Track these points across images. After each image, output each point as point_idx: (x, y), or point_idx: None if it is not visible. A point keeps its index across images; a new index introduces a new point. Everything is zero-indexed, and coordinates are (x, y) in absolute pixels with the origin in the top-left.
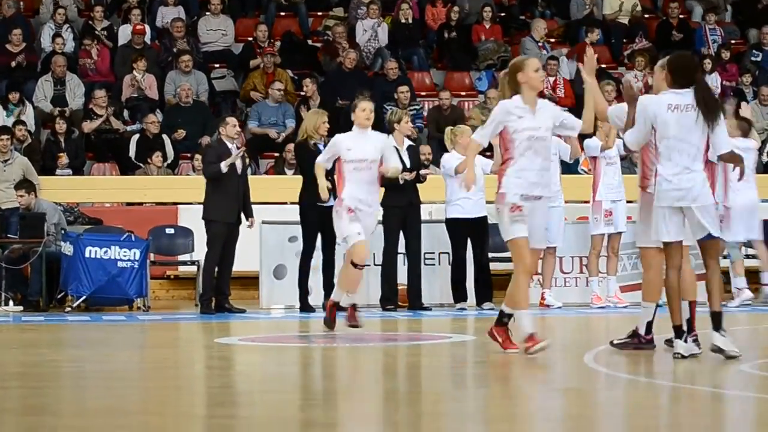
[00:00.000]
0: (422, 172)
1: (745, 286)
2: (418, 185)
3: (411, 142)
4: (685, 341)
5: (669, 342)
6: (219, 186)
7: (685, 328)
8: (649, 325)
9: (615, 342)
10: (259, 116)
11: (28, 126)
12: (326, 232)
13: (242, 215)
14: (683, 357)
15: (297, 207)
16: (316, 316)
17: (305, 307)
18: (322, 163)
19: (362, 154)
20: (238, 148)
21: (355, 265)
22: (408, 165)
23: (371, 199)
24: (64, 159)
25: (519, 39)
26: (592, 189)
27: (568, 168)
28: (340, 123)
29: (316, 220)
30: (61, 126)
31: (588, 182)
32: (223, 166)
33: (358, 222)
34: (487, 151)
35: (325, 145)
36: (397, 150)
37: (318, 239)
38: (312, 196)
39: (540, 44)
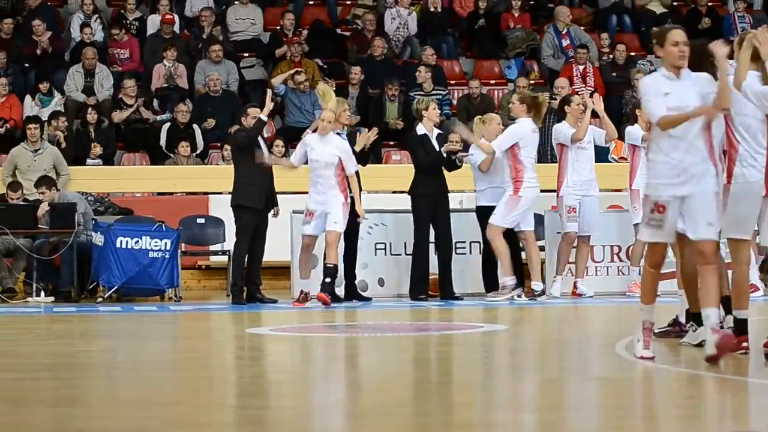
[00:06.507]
0: (460, 155)
1: None
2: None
3: (439, 130)
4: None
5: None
6: (247, 172)
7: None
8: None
9: (656, 331)
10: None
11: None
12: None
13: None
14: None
15: None
16: (348, 306)
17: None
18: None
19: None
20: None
21: None
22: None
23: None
24: (98, 149)
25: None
26: (629, 177)
27: (599, 156)
28: (370, 111)
29: None
30: (92, 116)
31: (621, 171)
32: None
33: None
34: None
35: (347, 135)
36: (428, 137)
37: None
38: None
39: (563, 32)
